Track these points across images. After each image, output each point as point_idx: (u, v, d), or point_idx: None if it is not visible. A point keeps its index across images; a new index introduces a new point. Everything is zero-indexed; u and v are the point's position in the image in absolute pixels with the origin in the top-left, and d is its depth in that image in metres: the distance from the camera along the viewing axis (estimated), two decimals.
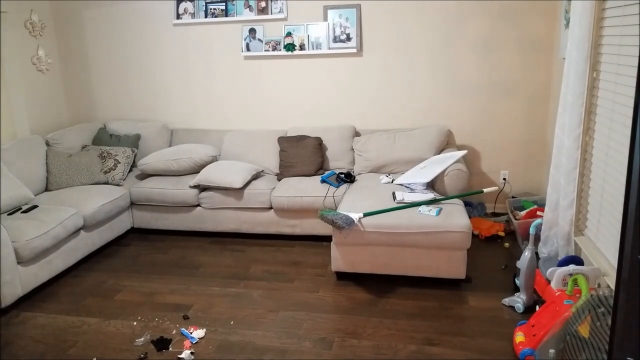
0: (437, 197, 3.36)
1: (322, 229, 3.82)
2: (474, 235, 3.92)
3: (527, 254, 2.80)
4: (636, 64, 2.32)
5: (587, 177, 3.00)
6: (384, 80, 4.31)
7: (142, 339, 2.81)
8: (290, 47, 4.31)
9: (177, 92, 4.75)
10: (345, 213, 3.17)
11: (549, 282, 2.61)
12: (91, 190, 3.97)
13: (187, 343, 2.74)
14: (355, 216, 3.14)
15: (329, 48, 4.28)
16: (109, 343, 2.79)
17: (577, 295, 2.43)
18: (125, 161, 4.29)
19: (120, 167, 4.22)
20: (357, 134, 4.34)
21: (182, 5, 4.46)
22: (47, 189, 4.10)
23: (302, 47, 4.31)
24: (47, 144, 4.28)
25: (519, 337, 2.50)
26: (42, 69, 4.64)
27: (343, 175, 3.94)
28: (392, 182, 3.77)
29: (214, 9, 4.41)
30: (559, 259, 2.88)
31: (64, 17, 4.76)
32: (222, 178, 3.92)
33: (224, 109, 4.69)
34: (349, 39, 4.23)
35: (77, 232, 3.65)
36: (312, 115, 4.53)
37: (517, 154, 4.23)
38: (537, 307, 2.65)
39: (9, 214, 3.48)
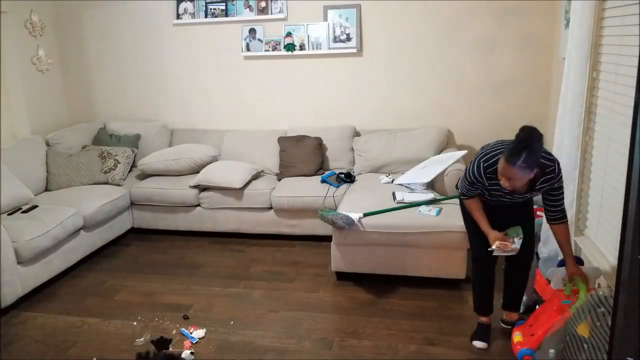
0: (437, 197, 3.36)
1: (322, 229, 3.81)
2: None
3: None
4: (636, 64, 2.32)
5: (587, 177, 3.00)
6: (384, 80, 4.31)
7: (142, 339, 2.81)
8: (290, 47, 4.31)
9: (177, 92, 4.74)
10: (345, 213, 3.17)
11: (549, 282, 2.61)
12: (91, 190, 3.97)
13: (187, 343, 2.74)
14: (355, 216, 3.14)
15: (329, 48, 4.27)
16: (109, 343, 2.79)
17: (576, 295, 2.43)
18: (125, 161, 4.29)
19: (120, 167, 4.22)
20: (357, 134, 4.34)
21: (182, 5, 4.46)
22: (47, 189, 4.10)
23: (302, 47, 4.31)
24: (47, 144, 4.28)
25: (517, 336, 2.51)
26: (42, 69, 4.64)
27: (343, 175, 3.94)
28: (392, 182, 3.77)
29: (214, 9, 4.41)
30: (559, 259, 2.87)
31: (64, 17, 4.75)
32: (222, 178, 3.92)
33: (224, 109, 4.69)
34: (349, 39, 4.23)
35: (77, 232, 3.65)
36: (312, 115, 4.52)
37: None
38: (537, 307, 2.65)
39: (9, 214, 3.48)
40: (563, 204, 2.38)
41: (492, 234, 2.42)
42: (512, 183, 2.16)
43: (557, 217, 2.39)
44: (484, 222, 2.46)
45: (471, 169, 2.39)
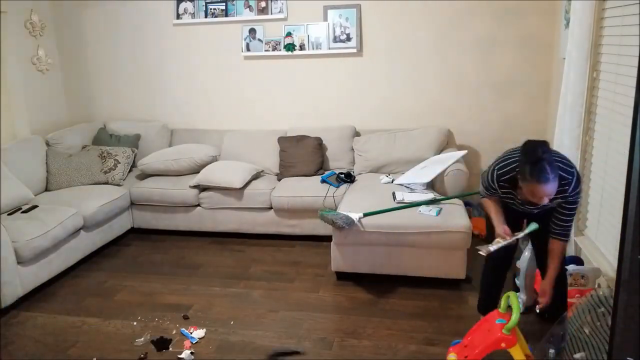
0: (437, 197, 3.36)
1: (322, 229, 3.81)
2: (474, 235, 3.91)
3: (527, 254, 2.79)
4: (636, 64, 2.32)
5: (587, 177, 3.00)
6: (384, 80, 4.31)
7: (142, 339, 2.81)
8: (290, 47, 4.31)
9: (177, 92, 4.74)
10: (345, 213, 3.17)
11: None
12: (91, 190, 3.97)
13: (187, 343, 2.74)
14: (355, 216, 3.14)
15: (329, 48, 4.27)
16: (109, 343, 2.79)
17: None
18: (125, 161, 4.29)
19: (120, 167, 4.22)
20: (357, 134, 4.34)
21: (182, 5, 4.46)
22: (47, 189, 4.10)
23: (302, 47, 4.31)
24: (47, 144, 4.28)
25: (451, 358, 2.31)
26: (42, 69, 4.64)
27: (343, 175, 3.94)
28: (392, 182, 3.77)
29: (214, 9, 4.41)
30: None
31: (64, 17, 4.75)
32: (222, 178, 3.92)
33: (224, 109, 4.69)
34: (349, 39, 4.23)
35: (77, 232, 3.65)
36: (312, 115, 4.52)
37: None
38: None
39: (9, 214, 3.48)
40: (570, 223, 2.29)
41: (499, 227, 2.35)
42: (548, 197, 2.09)
43: (557, 232, 2.31)
44: (497, 218, 2.39)
45: (488, 174, 2.36)
